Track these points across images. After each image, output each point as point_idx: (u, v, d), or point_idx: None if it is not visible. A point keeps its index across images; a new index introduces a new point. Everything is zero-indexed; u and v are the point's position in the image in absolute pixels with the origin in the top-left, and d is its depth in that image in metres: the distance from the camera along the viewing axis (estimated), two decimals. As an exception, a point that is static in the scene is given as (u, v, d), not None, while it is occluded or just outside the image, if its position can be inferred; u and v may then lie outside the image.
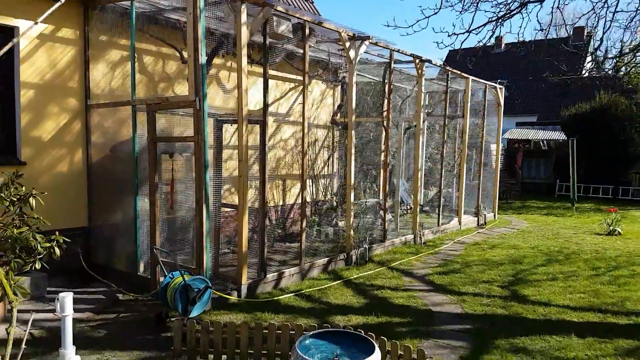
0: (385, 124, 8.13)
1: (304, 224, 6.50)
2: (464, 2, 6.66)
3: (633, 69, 14.09)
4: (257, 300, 5.48)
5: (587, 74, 23.32)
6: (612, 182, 17.95)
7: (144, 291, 5.58)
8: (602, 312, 5.41)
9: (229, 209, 7.23)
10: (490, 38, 7.07)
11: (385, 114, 8.15)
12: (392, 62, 8.08)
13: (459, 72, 10.01)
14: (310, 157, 9.50)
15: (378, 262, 7.44)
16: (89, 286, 5.86)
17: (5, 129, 5.97)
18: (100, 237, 6.51)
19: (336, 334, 3.21)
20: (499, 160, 12.59)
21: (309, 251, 6.88)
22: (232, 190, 8.01)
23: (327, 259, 6.87)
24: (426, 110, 10.84)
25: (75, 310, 4.98)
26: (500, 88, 11.98)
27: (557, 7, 6.47)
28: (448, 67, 9.51)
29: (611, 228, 10.51)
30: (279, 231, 8.85)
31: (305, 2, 11.50)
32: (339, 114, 9.92)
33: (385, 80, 8.33)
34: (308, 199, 8.67)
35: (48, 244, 3.90)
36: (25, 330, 3.89)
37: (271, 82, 8.81)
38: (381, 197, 9.18)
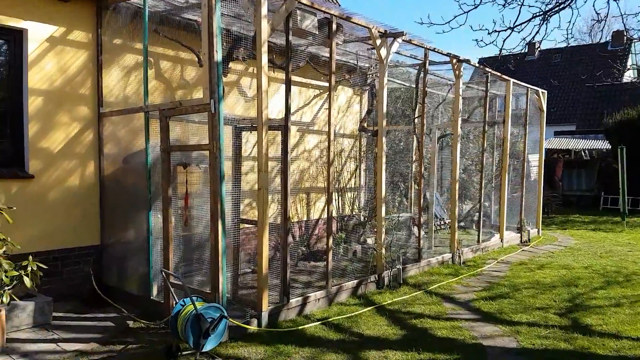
0: (419, 131, 7.44)
1: (330, 241, 5.84)
2: (506, -5, 5.96)
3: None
4: (279, 330, 4.83)
5: (630, 81, 21.99)
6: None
7: (157, 317, 5.02)
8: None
9: (249, 225, 6.65)
10: (535, 35, 6.31)
11: (419, 120, 7.46)
12: (427, 62, 7.41)
13: (499, 74, 9.24)
14: (336, 168, 8.87)
15: (413, 285, 6.68)
16: (99, 311, 5.35)
17: (12, 139, 5.58)
18: (113, 257, 6.03)
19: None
20: (542, 171, 11.64)
21: (335, 271, 6.21)
22: (253, 204, 7.45)
23: (356, 281, 6.18)
24: (462, 117, 10.07)
25: (81, 340, 4.47)
26: (542, 92, 11.12)
27: (613, -1, 5.68)
28: (488, 68, 8.77)
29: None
30: (303, 249, 8.21)
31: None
32: (367, 121, 9.27)
33: (419, 83, 7.66)
34: (334, 213, 8.02)
35: (16, 273, 3.33)
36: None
37: (294, 88, 8.29)
38: (414, 212, 8.46)
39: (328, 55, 6.08)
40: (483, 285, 6.82)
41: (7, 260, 3.53)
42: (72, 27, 5.85)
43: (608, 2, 5.91)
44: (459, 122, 8.28)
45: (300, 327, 4.91)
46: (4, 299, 3.37)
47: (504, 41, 6.62)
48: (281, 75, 7.08)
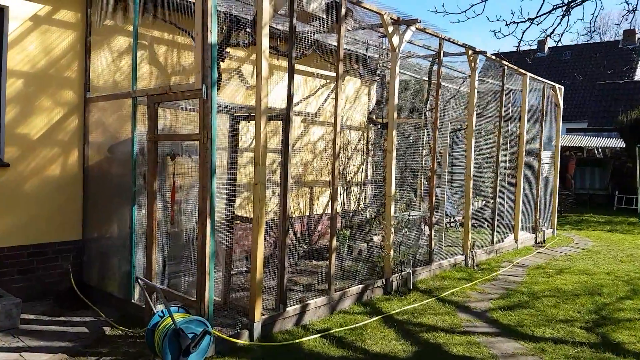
0: (431, 124, 6.88)
1: (334, 242, 5.31)
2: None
3: None
4: (273, 344, 4.30)
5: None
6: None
7: (137, 324, 4.52)
8: None
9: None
10: (556, 27, 5.75)
11: (430, 113, 6.90)
12: (442, 53, 6.84)
13: (515, 68, 8.64)
14: (342, 161, 8.33)
15: (424, 291, 6.14)
16: (75, 313, 4.86)
17: (-15, 124, 5.08)
18: (95, 254, 5.53)
19: None
20: (557, 169, 11.04)
21: (339, 272, 5.68)
22: (252, 198, 6.93)
23: (361, 286, 5.64)
24: (476, 111, 9.50)
25: (48, 349, 3.98)
26: (559, 88, 10.50)
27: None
28: (505, 61, 8.17)
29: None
30: (304, 246, 7.69)
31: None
32: (376, 113, 8.71)
33: (432, 75, 7.10)
34: (338, 209, 7.49)
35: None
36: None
37: (299, 78, 7.75)
38: (424, 210, 7.92)
39: (335, 43, 5.54)
40: (500, 293, 6.28)
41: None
42: (60, 6, 5.35)
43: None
44: (474, 116, 7.71)
45: (297, 341, 4.39)
46: None
47: (523, 33, 6.08)
48: (285, 63, 6.54)
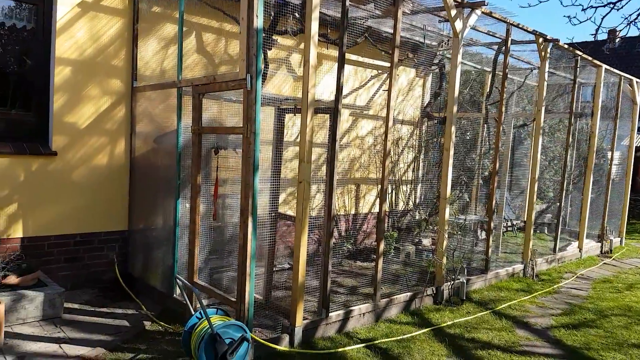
0: (494, 120, 6.33)
1: (382, 246, 4.96)
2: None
3: None
4: (314, 352, 4.05)
5: None
6: None
7: (178, 320, 4.42)
8: None
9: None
10: None
11: (492, 107, 6.35)
12: (509, 40, 6.26)
13: (590, 59, 7.84)
14: (392, 158, 7.92)
15: (478, 302, 5.68)
16: (118, 305, 4.83)
17: (36, 112, 5.12)
18: (139, 245, 5.50)
19: None
20: (630, 172, 10.05)
21: (385, 276, 5.34)
22: (296, 194, 6.70)
23: (409, 293, 5.27)
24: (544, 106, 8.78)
25: (88, 342, 3.92)
26: (638, 82, 9.51)
27: None
28: (578, 51, 7.42)
29: None
30: (349, 246, 7.38)
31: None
32: (432, 106, 8.20)
33: (497, 65, 6.53)
34: (386, 208, 7.12)
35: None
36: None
37: (349, 68, 7.39)
38: (480, 214, 7.40)
39: (390, 30, 5.16)
40: (562, 308, 5.71)
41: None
42: (107, -9, 5.29)
43: None
44: (543, 112, 7.05)
45: (340, 350, 4.11)
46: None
47: (602, 18, 5.40)
48: (334, 53, 6.20)
